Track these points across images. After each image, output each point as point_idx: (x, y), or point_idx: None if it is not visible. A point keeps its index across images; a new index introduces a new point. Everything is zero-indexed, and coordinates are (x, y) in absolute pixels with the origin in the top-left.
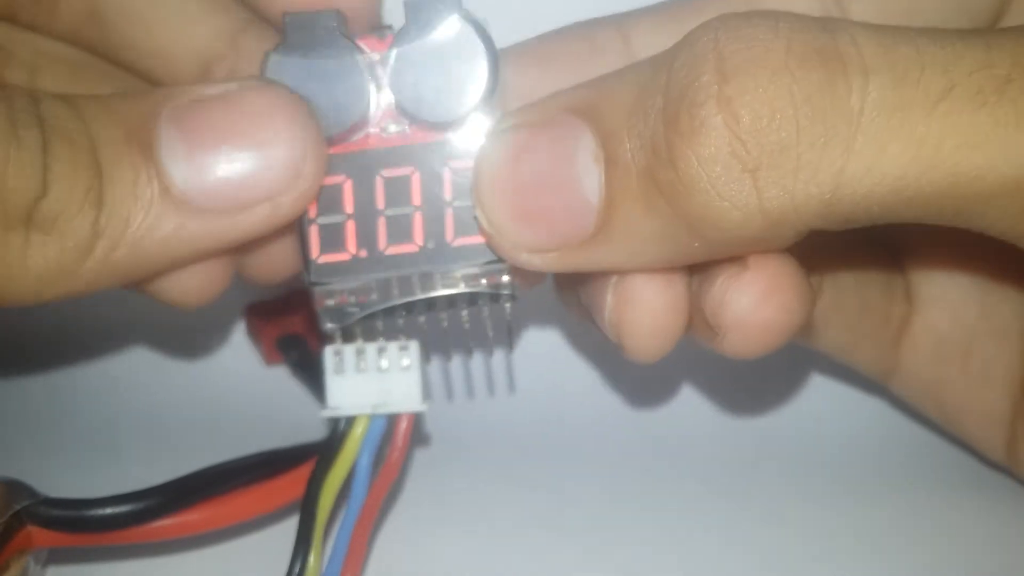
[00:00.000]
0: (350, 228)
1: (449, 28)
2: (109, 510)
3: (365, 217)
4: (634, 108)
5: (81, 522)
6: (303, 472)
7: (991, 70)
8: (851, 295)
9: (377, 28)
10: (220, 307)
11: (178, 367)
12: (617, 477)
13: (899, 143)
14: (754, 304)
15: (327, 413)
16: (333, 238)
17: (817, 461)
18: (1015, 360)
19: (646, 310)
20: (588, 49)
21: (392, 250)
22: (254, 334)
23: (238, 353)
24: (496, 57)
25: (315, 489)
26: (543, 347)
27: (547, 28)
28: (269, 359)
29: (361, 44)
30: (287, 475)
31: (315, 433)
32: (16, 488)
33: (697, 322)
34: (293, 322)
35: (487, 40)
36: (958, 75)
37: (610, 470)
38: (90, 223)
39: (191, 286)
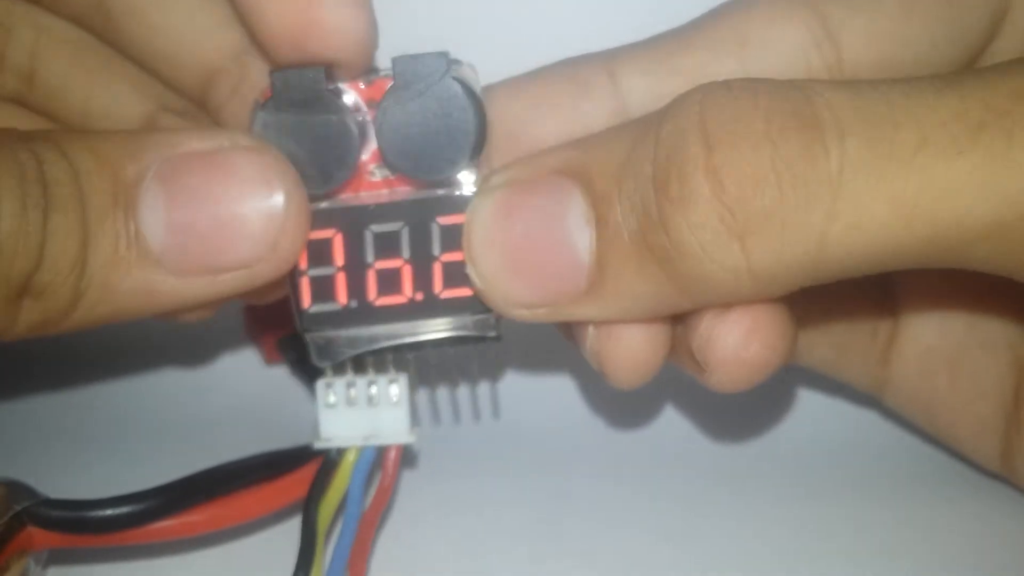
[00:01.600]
0: (340, 280)
1: (437, 87)
2: (110, 511)
3: (355, 269)
4: (623, 172)
5: (82, 523)
6: (304, 473)
7: (964, 117)
8: (837, 313)
9: (365, 73)
10: (220, 307)
11: (178, 367)
12: (605, 495)
13: (879, 200)
14: (739, 343)
15: (320, 444)
16: (323, 289)
17: (810, 471)
18: (1004, 371)
19: (627, 345)
20: (575, 89)
21: (382, 301)
22: (254, 334)
23: (238, 353)
24: (484, 115)
25: (312, 513)
26: (528, 372)
27: (535, 61)
28: (269, 359)
29: (349, 93)
30: (288, 476)
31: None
32: (17, 489)
33: (683, 355)
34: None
35: (474, 99)
36: (931, 127)
37: (598, 489)
38: (72, 288)
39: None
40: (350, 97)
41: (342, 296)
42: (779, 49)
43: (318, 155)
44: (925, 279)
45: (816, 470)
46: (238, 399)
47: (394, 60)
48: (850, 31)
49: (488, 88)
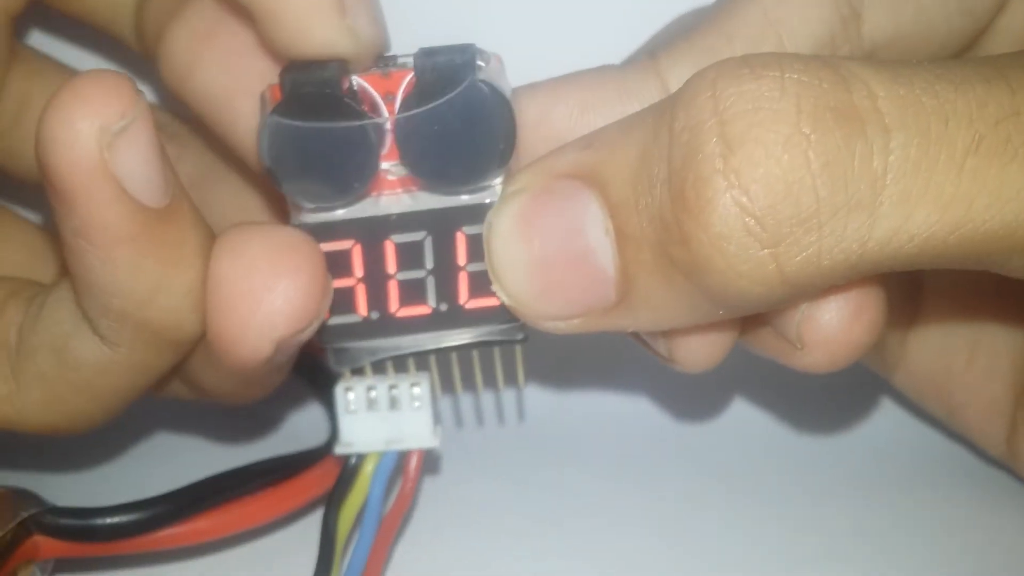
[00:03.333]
0: (360, 291)
1: (462, 90)
2: (116, 519)
3: (375, 281)
4: (638, 176)
5: (88, 531)
6: (308, 478)
7: (1018, 117)
8: None
9: (381, 61)
10: None
11: None
12: (635, 501)
13: (927, 204)
14: (845, 322)
15: (340, 450)
16: (343, 301)
17: (820, 461)
18: (1020, 353)
19: (686, 343)
20: (624, 91)
21: (404, 312)
22: None
23: None
24: (513, 120)
25: (332, 520)
26: (554, 372)
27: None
28: None
29: (365, 88)
30: (293, 481)
31: (317, 433)
32: (23, 496)
33: (764, 335)
34: None
35: (503, 103)
36: (984, 126)
37: (627, 495)
38: None
39: None
40: (366, 92)
41: (362, 308)
42: (811, 28)
43: (334, 163)
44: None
45: (821, 466)
46: None
47: (416, 55)
48: (871, 4)
49: (530, 88)
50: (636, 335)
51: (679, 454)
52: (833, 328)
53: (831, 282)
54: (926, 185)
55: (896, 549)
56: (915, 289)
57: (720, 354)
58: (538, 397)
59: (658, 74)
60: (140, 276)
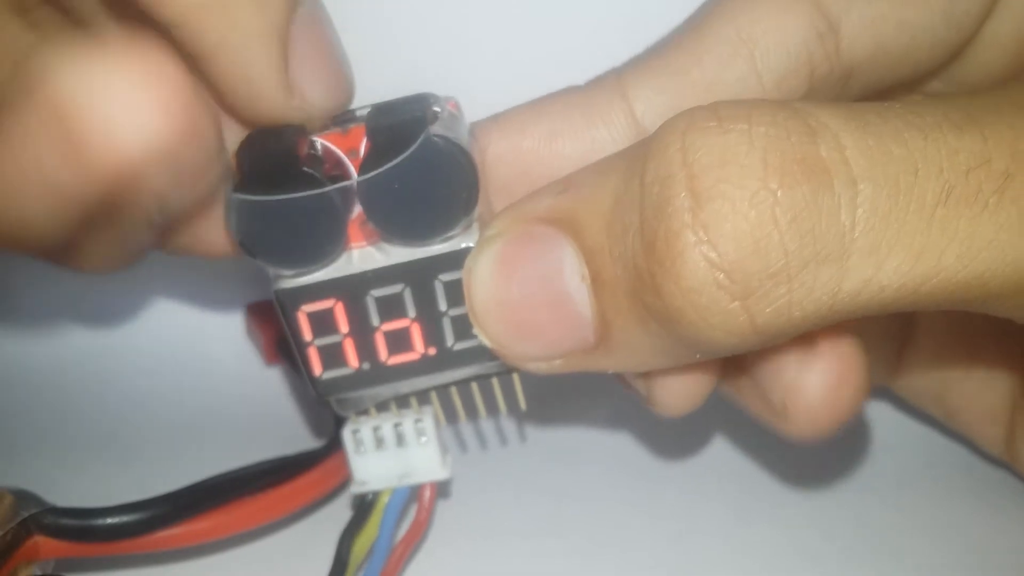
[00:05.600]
0: (348, 345)
1: (418, 147)
2: (117, 519)
3: (362, 333)
4: (612, 224)
5: (89, 531)
6: (308, 479)
7: (989, 166)
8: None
9: (339, 118)
10: (220, 307)
11: (179, 368)
12: (642, 517)
13: (896, 256)
14: (830, 390)
15: (357, 489)
16: (333, 356)
17: (818, 461)
18: (1016, 359)
19: (666, 386)
20: (589, 117)
21: (394, 360)
22: (254, 334)
23: (238, 353)
24: (474, 169)
25: (345, 548)
26: (555, 393)
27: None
28: (269, 359)
29: (327, 147)
30: (293, 482)
31: (316, 433)
32: (23, 497)
33: (750, 399)
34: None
35: (460, 154)
36: (955, 175)
37: (635, 512)
38: None
39: None
40: (328, 151)
41: (353, 360)
42: (786, 46)
43: (304, 231)
44: None
45: (821, 466)
46: (238, 399)
47: (368, 115)
48: (849, 19)
49: (495, 120)
50: (619, 376)
51: (680, 466)
52: (818, 397)
53: (804, 330)
54: (896, 236)
55: (897, 547)
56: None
57: (698, 398)
58: (538, 417)
59: (624, 96)
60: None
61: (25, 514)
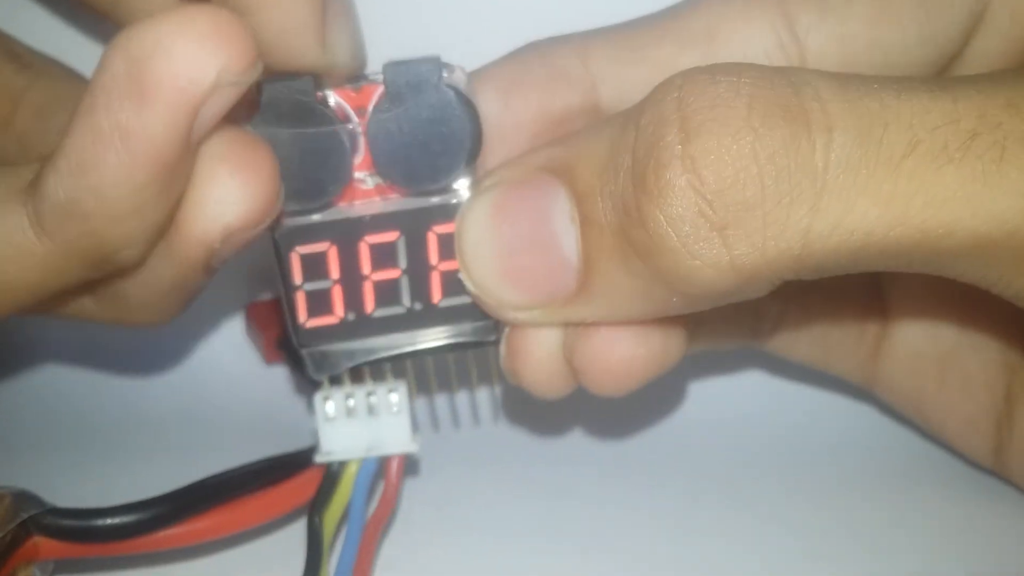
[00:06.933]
0: (336, 293)
1: (429, 95)
2: (117, 519)
3: (351, 282)
4: (605, 167)
5: (89, 532)
6: (308, 477)
7: (956, 124)
8: (821, 312)
9: (353, 78)
10: (220, 307)
11: (178, 368)
12: (609, 497)
13: (865, 201)
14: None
15: (321, 459)
16: (320, 303)
17: (807, 464)
18: (994, 374)
19: (608, 350)
20: (548, 74)
21: (379, 313)
22: (254, 334)
23: (238, 353)
24: (479, 122)
25: (316, 524)
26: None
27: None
28: (269, 359)
29: (338, 100)
30: (293, 481)
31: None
32: (23, 498)
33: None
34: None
35: (469, 106)
36: (922, 131)
37: (602, 490)
38: None
39: None
40: (340, 105)
41: (339, 309)
42: (745, 48)
43: (310, 168)
44: (914, 282)
45: (812, 466)
46: (238, 399)
47: (384, 67)
48: (817, 35)
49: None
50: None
51: (659, 452)
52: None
53: (777, 274)
54: (866, 183)
55: (887, 549)
56: (882, 310)
57: (641, 370)
58: (512, 397)
59: (583, 58)
60: (135, 195)
61: (25, 515)
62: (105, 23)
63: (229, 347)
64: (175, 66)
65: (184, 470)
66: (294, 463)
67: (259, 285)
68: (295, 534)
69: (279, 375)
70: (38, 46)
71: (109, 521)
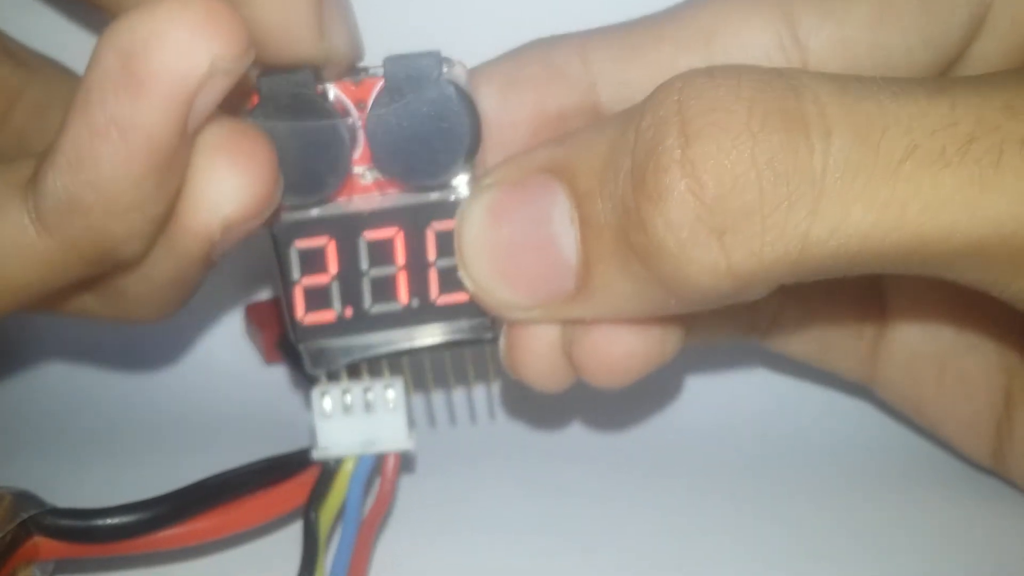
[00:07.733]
0: (335, 289)
1: (429, 89)
2: (117, 519)
3: (349, 277)
4: (605, 168)
5: (89, 532)
6: (307, 477)
7: (954, 128)
8: (820, 312)
9: (352, 72)
10: (219, 307)
11: (178, 368)
12: (607, 494)
13: (862, 205)
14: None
15: (318, 454)
16: (318, 298)
17: (808, 462)
18: (993, 375)
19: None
20: (548, 72)
21: (377, 309)
22: (254, 334)
23: (238, 353)
24: (478, 117)
25: (312, 520)
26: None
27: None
28: (269, 359)
29: (338, 94)
30: (292, 480)
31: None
32: (23, 498)
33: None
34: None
35: (468, 101)
36: (920, 135)
37: (599, 487)
38: None
39: None
40: (339, 99)
41: (337, 305)
42: (745, 49)
43: (309, 161)
44: (913, 283)
45: (813, 465)
46: (238, 399)
47: (385, 60)
48: (818, 38)
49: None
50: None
51: (658, 450)
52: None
53: (775, 278)
54: (864, 187)
55: (887, 549)
56: (880, 310)
57: (638, 365)
58: (509, 395)
59: (583, 57)
60: (134, 189)
61: (25, 515)
62: (99, 16)
63: (229, 347)
64: (168, 56)
65: (184, 470)
66: (294, 463)
67: (258, 285)
68: (295, 534)
69: (279, 375)
70: (33, 44)
71: (109, 521)
